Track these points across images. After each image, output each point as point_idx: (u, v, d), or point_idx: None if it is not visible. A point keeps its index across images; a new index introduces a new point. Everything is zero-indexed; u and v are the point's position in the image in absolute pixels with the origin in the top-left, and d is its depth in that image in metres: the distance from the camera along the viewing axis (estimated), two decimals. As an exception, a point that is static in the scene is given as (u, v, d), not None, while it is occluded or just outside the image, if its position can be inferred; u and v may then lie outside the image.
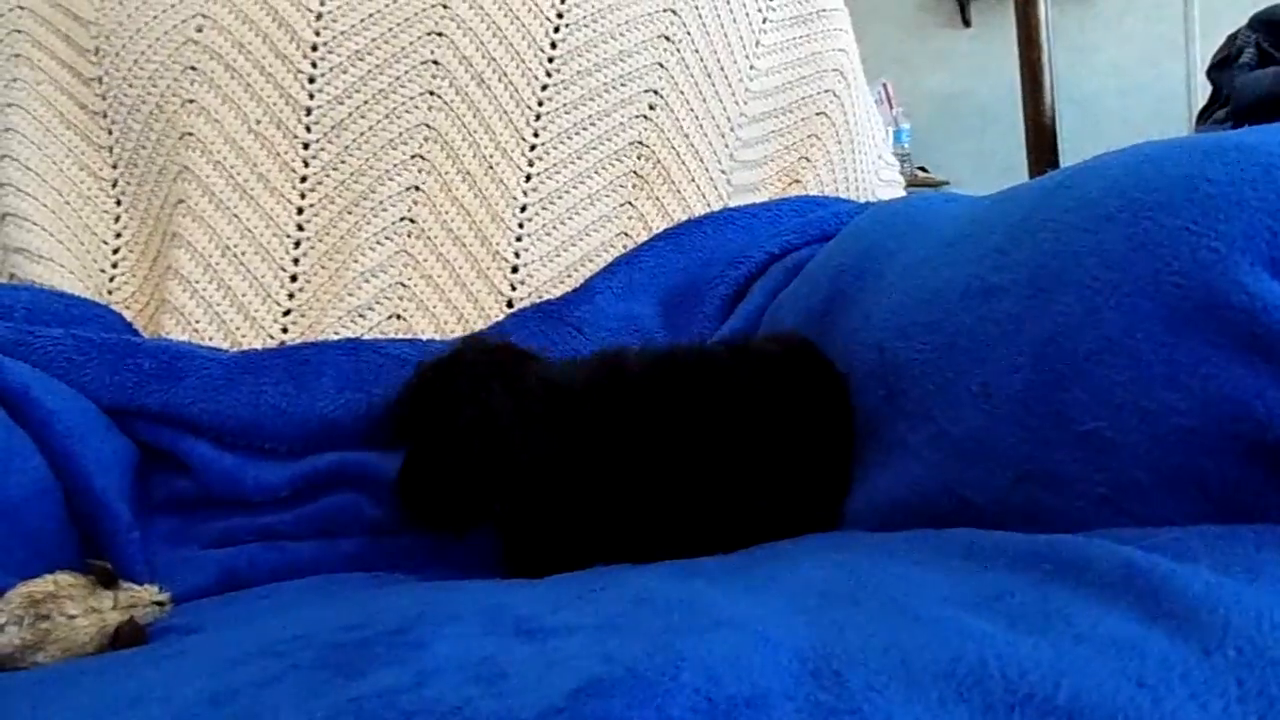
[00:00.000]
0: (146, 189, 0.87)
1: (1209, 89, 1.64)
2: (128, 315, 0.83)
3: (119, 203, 0.88)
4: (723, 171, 0.97)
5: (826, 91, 1.05)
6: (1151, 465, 0.39)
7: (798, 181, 1.02)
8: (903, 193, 1.15)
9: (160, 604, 0.52)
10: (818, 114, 1.04)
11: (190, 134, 0.85)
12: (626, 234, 0.90)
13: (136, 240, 0.87)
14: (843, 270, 0.68)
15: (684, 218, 0.92)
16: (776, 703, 0.29)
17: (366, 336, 0.80)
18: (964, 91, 3.40)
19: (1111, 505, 0.41)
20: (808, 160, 1.02)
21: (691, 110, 0.96)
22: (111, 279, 0.86)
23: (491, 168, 0.87)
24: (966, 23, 3.40)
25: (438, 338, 0.82)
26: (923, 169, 3.14)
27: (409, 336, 0.81)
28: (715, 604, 0.39)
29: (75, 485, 0.64)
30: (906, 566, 0.42)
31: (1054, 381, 0.44)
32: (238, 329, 0.81)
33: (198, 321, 0.81)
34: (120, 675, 0.39)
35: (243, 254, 0.83)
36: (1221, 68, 1.51)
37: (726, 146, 0.98)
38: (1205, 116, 1.56)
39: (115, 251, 0.87)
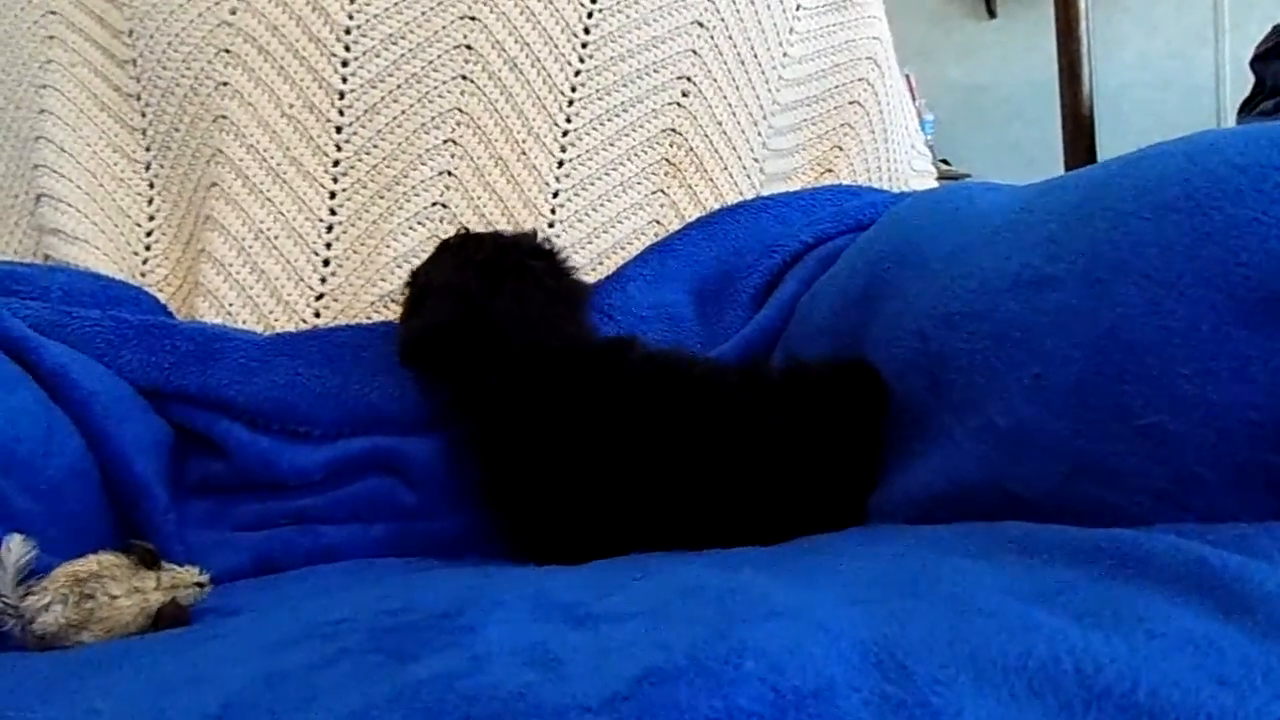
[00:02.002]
0: (180, 172, 0.87)
1: (1238, 82, 1.61)
2: (161, 298, 0.84)
3: (152, 185, 0.88)
4: (755, 159, 0.96)
5: (860, 80, 1.04)
6: (1216, 460, 0.38)
7: (830, 170, 1.01)
8: (935, 183, 1.14)
9: (201, 585, 0.52)
10: (851, 102, 1.03)
11: (223, 117, 0.85)
12: (658, 221, 0.90)
13: (169, 223, 0.87)
14: (883, 257, 0.67)
15: (716, 205, 0.91)
16: (843, 694, 0.28)
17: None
18: (989, 83, 3.37)
19: (1172, 500, 0.40)
20: (841, 149, 1.01)
21: (724, 97, 0.95)
22: (145, 261, 0.86)
23: (524, 153, 0.87)
24: (992, 14, 3.36)
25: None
26: (945, 162, 3.11)
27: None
28: (767, 594, 0.38)
29: (113, 467, 0.64)
30: (959, 559, 0.41)
31: (1112, 374, 0.43)
32: (270, 313, 0.81)
33: (231, 305, 0.81)
34: (169, 655, 0.39)
35: (275, 238, 0.83)
36: (1266, 59, 1.47)
37: (759, 134, 0.97)
38: (1249, 108, 1.53)
39: (148, 234, 0.87)
